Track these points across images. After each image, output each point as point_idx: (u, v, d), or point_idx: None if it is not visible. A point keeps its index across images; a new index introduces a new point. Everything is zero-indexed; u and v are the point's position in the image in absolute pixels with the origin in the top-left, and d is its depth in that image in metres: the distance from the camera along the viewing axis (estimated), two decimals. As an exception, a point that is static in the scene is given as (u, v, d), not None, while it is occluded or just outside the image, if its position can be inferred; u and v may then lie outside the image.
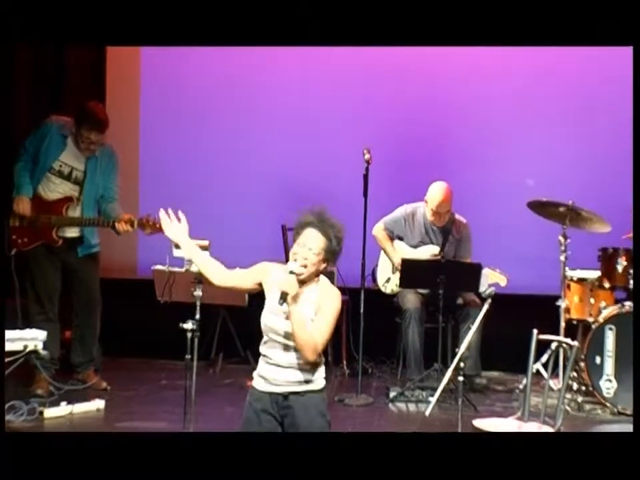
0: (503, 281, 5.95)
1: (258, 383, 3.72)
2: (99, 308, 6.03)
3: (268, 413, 3.67)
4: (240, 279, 3.71)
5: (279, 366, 3.64)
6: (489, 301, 5.22)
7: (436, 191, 6.23)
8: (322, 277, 3.67)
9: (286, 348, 3.62)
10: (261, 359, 3.74)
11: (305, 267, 3.56)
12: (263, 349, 3.71)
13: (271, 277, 3.64)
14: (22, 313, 5.73)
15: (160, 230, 5.61)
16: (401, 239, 6.41)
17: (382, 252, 6.46)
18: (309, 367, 3.65)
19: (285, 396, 3.66)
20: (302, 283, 3.59)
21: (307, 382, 3.65)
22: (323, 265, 3.61)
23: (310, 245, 3.57)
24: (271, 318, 3.63)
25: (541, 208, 5.95)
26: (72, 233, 5.88)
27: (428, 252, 6.28)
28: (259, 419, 3.67)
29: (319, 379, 3.70)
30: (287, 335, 3.60)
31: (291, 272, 3.54)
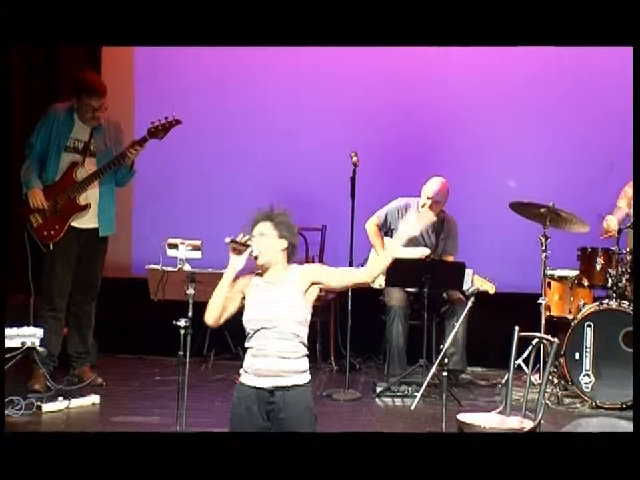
0: (491, 289, 6.12)
1: (246, 379, 3.79)
2: (96, 297, 6.10)
3: (256, 408, 3.73)
4: (226, 307, 3.83)
5: (275, 356, 3.71)
6: (472, 299, 5.37)
7: (433, 181, 6.35)
8: (293, 265, 3.85)
9: (280, 337, 3.72)
10: (249, 354, 3.79)
11: (262, 251, 3.77)
12: (252, 342, 3.77)
13: (248, 285, 3.81)
14: (33, 310, 5.84)
15: (172, 124, 5.77)
16: (392, 230, 6.50)
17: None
18: (300, 355, 3.76)
19: (270, 391, 3.72)
20: (265, 267, 3.79)
21: (303, 372, 3.76)
22: (284, 243, 3.80)
23: (261, 231, 3.80)
24: (264, 310, 3.74)
25: (523, 209, 6.04)
26: (89, 224, 5.96)
27: (419, 252, 6.33)
28: (249, 414, 3.73)
29: (307, 372, 3.79)
30: (282, 322, 3.72)
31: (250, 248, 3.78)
